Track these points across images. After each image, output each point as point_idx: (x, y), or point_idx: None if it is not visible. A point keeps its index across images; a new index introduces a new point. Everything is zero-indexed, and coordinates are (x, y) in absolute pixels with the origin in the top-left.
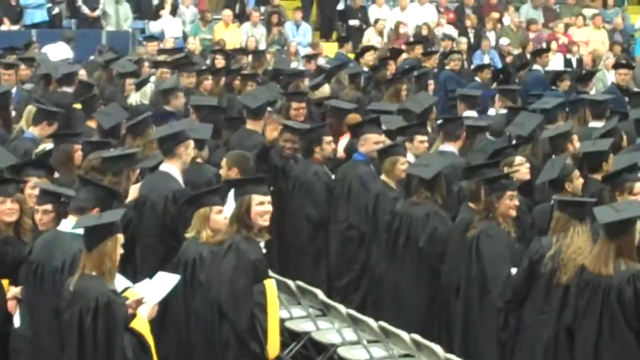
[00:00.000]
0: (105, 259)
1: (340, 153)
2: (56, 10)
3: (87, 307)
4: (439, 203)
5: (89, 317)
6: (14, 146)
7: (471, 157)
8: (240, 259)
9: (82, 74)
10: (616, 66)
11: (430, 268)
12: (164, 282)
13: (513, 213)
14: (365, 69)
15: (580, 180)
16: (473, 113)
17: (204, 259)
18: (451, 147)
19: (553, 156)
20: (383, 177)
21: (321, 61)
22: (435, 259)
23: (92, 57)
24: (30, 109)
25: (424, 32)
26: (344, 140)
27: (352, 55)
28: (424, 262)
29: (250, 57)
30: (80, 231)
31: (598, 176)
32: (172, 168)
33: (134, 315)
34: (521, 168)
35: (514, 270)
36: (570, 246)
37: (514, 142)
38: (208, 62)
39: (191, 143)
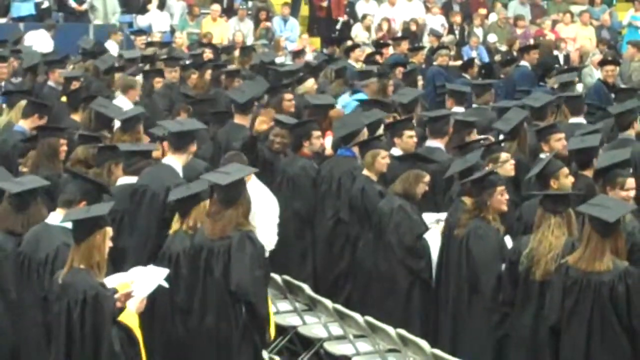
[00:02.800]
0: (94, 252)
1: (328, 149)
2: (45, 4)
3: (75, 300)
4: (415, 197)
5: (77, 309)
6: (4, 139)
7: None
8: (257, 248)
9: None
10: (603, 63)
11: (401, 263)
12: (152, 276)
13: (504, 207)
14: (354, 64)
15: (570, 179)
16: (461, 109)
17: (212, 252)
18: (437, 143)
19: (542, 155)
20: (365, 171)
21: (309, 57)
22: (404, 254)
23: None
24: (22, 103)
25: (413, 27)
26: (331, 136)
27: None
28: (394, 257)
29: (237, 52)
30: (69, 224)
31: (588, 172)
32: (176, 162)
33: (122, 309)
34: (506, 165)
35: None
36: (542, 242)
37: (501, 137)
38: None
39: None
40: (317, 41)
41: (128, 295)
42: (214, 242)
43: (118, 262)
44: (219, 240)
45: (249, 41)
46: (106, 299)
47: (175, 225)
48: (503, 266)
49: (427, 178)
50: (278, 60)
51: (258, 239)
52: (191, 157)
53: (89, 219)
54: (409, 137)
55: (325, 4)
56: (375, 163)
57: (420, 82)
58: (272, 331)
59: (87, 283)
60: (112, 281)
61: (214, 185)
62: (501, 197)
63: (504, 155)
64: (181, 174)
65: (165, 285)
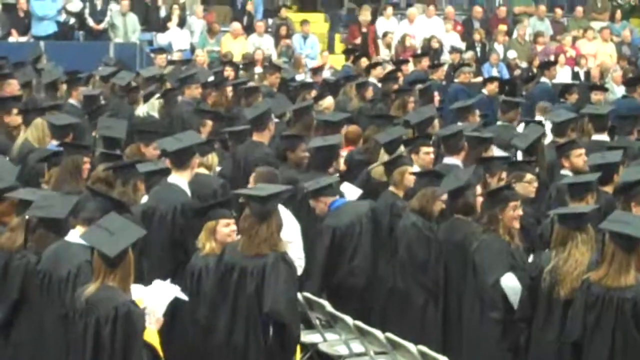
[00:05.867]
0: (130, 270)
1: (343, 166)
2: (72, 21)
3: (106, 317)
4: (432, 214)
5: (108, 326)
6: (34, 157)
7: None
8: (291, 270)
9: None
10: (633, 82)
11: (413, 279)
12: (163, 294)
13: (516, 224)
14: (375, 81)
15: (583, 158)
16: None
17: (245, 271)
18: (455, 160)
19: (563, 171)
20: (391, 188)
21: (326, 74)
22: (417, 271)
23: (100, 68)
24: (38, 122)
25: (435, 45)
26: (344, 152)
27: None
28: (406, 273)
29: (256, 69)
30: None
31: (609, 188)
32: (181, 180)
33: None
34: (529, 186)
35: (507, 277)
36: (568, 260)
37: (519, 153)
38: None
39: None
40: (341, 59)
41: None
42: (248, 259)
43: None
44: (253, 258)
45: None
46: (137, 316)
47: (199, 242)
48: (506, 276)
49: (445, 195)
50: (298, 77)
51: (292, 261)
52: (206, 174)
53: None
54: (426, 154)
55: (358, 40)
56: (404, 180)
57: (437, 99)
58: (298, 355)
59: (118, 300)
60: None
61: (251, 198)
62: (513, 213)
63: (529, 176)
64: (188, 191)
65: (184, 298)
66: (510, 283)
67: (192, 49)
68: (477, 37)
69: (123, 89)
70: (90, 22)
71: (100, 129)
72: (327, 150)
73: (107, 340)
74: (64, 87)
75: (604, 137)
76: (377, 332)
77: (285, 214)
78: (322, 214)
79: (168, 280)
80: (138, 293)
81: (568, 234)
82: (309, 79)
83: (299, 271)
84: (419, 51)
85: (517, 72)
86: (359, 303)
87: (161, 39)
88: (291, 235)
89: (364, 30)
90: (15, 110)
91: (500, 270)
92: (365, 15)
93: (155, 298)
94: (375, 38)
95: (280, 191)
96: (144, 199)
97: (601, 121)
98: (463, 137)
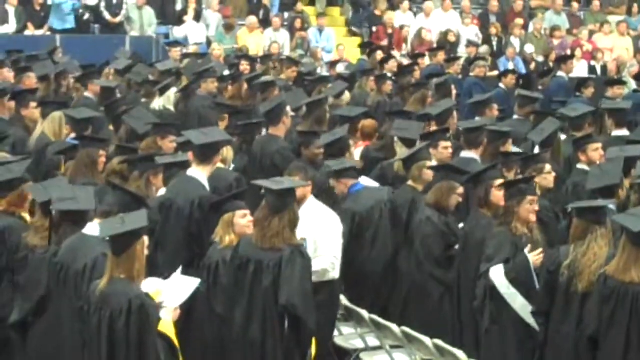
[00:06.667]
0: (135, 262)
1: (358, 161)
2: (87, 16)
3: (120, 310)
4: (447, 208)
5: (122, 319)
6: (53, 150)
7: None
8: (306, 262)
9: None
10: None
11: (429, 274)
12: (183, 286)
13: (533, 218)
14: (389, 74)
15: (599, 152)
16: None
17: (261, 264)
18: (473, 154)
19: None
20: (410, 183)
21: (340, 67)
22: (432, 265)
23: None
24: (56, 115)
25: (451, 38)
26: (360, 148)
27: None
28: (422, 267)
29: (272, 63)
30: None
31: (626, 182)
32: (201, 174)
33: (158, 319)
34: (548, 177)
35: (496, 269)
36: (587, 253)
37: (536, 148)
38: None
39: None
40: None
41: (158, 306)
42: (263, 253)
43: (150, 275)
44: (268, 252)
45: (286, 52)
46: (151, 308)
47: (217, 236)
48: (496, 267)
49: (461, 190)
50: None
51: (307, 253)
52: (222, 167)
53: (128, 232)
54: (444, 148)
55: (385, 42)
56: (423, 175)
57: (453, 92)
58: (314, 350)
59: (132, 292)
60: (148, 285)
61: (266, 190)
62: (529, 207)
63: (547, 167)
64: (207, 186)
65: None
66: (497, 277)
67: (208, 43)
68: (493, 31)
69: (140, 84)
70: (106, 15)
71: (130, 117)
72: (337, 143)
73: (121, 333)
74: (72, 81)
75: (624, 132)
76: (393, 326)
77: (327, 212)
78: (341, 195)
79: (179, 271)
80: (156, 286)
81: (587, 228)
82: (325, 73)
83: (333, 271)
84: (435, 45)
85: (533, 66)
86: (376, 294)
87: (177, 32)
88: (329, 232)
89: (390, 31)
90: (33, 104)
91: (494, 262)
92: (383, 11)
93: (174, 291)
94: (400, 40)
95: (293, 187)
96: (162, 191)
97: (621, 116)
98: (484, 133)
